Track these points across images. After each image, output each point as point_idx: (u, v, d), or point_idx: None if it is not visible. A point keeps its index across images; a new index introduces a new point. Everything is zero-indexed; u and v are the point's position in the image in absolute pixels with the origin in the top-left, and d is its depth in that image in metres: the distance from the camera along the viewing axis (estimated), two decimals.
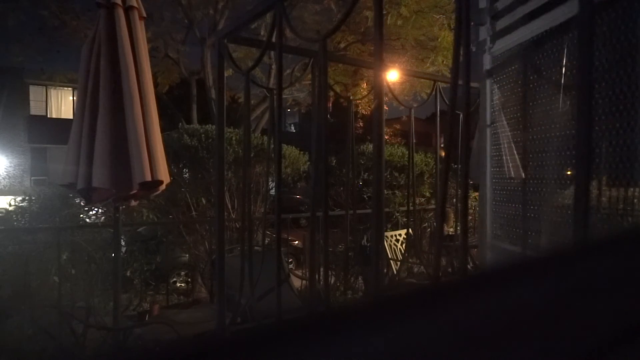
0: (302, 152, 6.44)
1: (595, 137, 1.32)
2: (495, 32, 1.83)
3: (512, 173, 1.77)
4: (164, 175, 2.50)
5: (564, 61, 1.48)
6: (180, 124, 10.02)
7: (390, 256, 4.92)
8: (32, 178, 19.05)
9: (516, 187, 1.73)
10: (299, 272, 5.49)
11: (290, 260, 6.69)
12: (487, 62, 1.89)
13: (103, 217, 5.20)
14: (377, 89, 1.47)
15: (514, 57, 1.75)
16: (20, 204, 4.86)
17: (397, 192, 6.34)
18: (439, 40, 8.47)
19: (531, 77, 1.67)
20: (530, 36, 1.63)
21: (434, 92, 3.43)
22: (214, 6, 9.73)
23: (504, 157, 1.82)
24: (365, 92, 9.59)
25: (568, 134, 1.47)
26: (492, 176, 1.91)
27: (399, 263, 4.87)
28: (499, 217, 1.87)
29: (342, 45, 9.54)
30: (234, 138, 5.47)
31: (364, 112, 10.90)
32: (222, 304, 2.62)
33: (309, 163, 6.04)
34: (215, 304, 3.01)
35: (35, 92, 19.43)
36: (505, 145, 1.81)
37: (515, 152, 1.75)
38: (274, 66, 7.61)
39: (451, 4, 8.03)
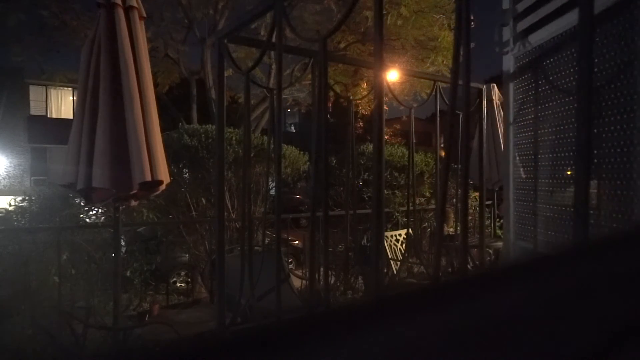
0: (302, 152, 6.44)
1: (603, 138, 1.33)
2: (518, 33, 1.83)
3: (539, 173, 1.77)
4: (164, 175, 2.50)
5: (574, 64, 1.48)
6: (180, 124, 10.02)
7: (390, 256, 4.92)
8: (32, 178, 19.04)
9: (540, 187, 1.73)
10: (299, 272, 5.49)
11: (290, 260, 6.69)
12: (510, 63, 1.89)
13: (103, 217, 5.19)
14: (377, 89, 1.47)
15: (533, 58, 1.75)
16: (20, 204, 4.86)
17: (397, 192, 6.34)
18: (439, 40, 8.48)
19: (544, 80, 1.67)
20: (549, 38, 1.63)
21: (434, 92, 3.43)
22: (214, 6, 9.73)
23: (524, 158, 1.82)
24: (365, 92, 9.59)
25: (573, 135, 1.47)
26: (514, 175, 1.91)
27: (399, 263, 4.87)
28: (520, 217, 1.87)
29: (342, 45, 9.54)
30: (234, 138, 5.47)
31: (364, 112, 10.91)
32: (222, 304, 2.62)
33: (309, 163, 6.04)
34: (215, 304, 3.01)
35: (35, 92, 19.43)
36: (524, 145, 1.82)
37: (533, 151, 1.75)
38: (274, 66, 7.60)
39: (451, 4, 8.04)
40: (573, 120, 1.50)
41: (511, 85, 1.91)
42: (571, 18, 1.50)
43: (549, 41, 1.65)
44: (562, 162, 1.57)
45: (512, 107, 1.92)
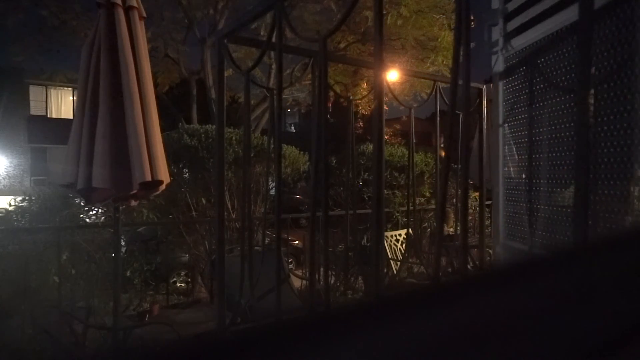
0: (302, 152, 6.44)
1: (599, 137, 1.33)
2: (507, 33, 1.83)
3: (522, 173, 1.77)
4: (164, 175, 2.50)
5: (569, 63, 1.48)
6: (180, 124, 10.02)
7: (390, 256, 4.92)
8: (32, 178, 19.04)
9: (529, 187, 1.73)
10: (299, 272, 5.49)
11: (290, 260, 6.68)
12: (499, 63, 1.89)
13: (103, 217, 5.19)
14: (377, 89, 1.47)
15: (524, 58, 1.75)
16: (20, 204, 4.86)
17: (397, 192, 6.34)
18: (439, 40, 8.47)
19: (535, 80, 1.67)
20: (539, 38, 1.63)
21: (434, 92, 3.44)
22: (214, 6, 9.73)
23: (514, 158, 1.82)
24: (365, 92, 9.59)
25: (571, 134, 1.47)
26: (504, 176, 1.90)
27: (399, 263, 4.87)
28: (509, 217, 1.87)
29: (342, 45, 9.54)
30: (234, 138, 5.47)
31: (364, 112, 10.91)
32: (222, 304, 2.62)
33: (309, 163, 6.04)
34: (215, 304, 3.01)
35: (35, 92, 19.42)
36: (515, 146, 1.82)
37: (524, 152, 1.75)
38: (274, 66, 7.60)
39: (451, 4, 8.03)
40: (564, 120, 1.50)
41: (500, 85, 1.91)
42: (562, 18, 1.50)
43: (539, 41, 1.65)
44: (553, 162, 1.57)
45: (502, 107, 1.92)
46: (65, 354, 2.80)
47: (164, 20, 9.82)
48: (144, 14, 2.63)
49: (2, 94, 17.92)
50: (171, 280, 5.68)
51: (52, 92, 19.72)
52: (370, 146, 5.08)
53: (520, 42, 1.77)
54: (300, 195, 12.10)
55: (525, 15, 1.70)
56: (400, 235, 5.25)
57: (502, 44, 1.85)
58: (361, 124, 17.77)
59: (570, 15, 1.45)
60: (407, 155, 4.63)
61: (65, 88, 19.28)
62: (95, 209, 5.19)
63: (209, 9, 9.81)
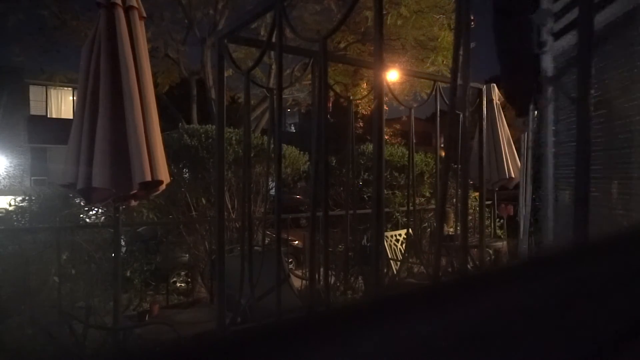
0: (302, 152, 6.43)
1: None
2: (555, 33, 1.81)
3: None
4: (164, 175, 2.50)
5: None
6: (180, 124, 10.01)
7: (390, 256, 4.92)
8: (32, 178, 19.03)
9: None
10: (299, 272, 5.49)
11: (290, 260, 6.68)
12: (548, 63, 1.88)
13: (103, 217, 5.19)
14: (377, 89, 1.47)
15: (572, 57, 1.72)
16: (20, 204, 4.85)
17: (397, 192, 6.34)
18: (439, 40, 8.47)
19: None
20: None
21: (434, 92, 3.44)
22: (214, 6, 9.72)
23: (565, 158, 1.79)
24: (365, 92, 9.59)
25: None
26: (555, 175, 1.88)
27: (399, 263, 4.87)
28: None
29: (342, 45, 9.54)
30: (234, 138, 5.46)
31: (364, 112, 10.90)
32: (222, 304, 2.62)
33: (309, 163, 6.04)
34: (215, 304, 3.01)
35: (35, 92, 19.41)
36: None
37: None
38: (274, 66, 7.60)
39: (451, 4, 8.03)
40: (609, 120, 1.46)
41: (549, 87, 1.89)
42: (607, 15, 1.47)
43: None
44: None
45: (552, 107, 1.88)
46: (65, 354, 2.80)
47: (164, 20, 9.81)
48: (144, 14, 2.63)
49: (2, 94, 17.91)
50: (171, 280, 5.67)
51: (52, 92, 19.72)
52: (370, 146, 5.08)
53: (567, 41, 1.74)
54: (300, 195, 12.10)
55: (571, 14, 1.67)
56: (400, 235, 5.25)
57: (550, 44, 1.83)
58: (361, 124, 17.74)
59: (615, 10, 1.42)
60: (407, 155, 4.63)
61: (65, 88, 19.27)
62: (95, 209, 5.19)
63: (209, 9, 9.80)
